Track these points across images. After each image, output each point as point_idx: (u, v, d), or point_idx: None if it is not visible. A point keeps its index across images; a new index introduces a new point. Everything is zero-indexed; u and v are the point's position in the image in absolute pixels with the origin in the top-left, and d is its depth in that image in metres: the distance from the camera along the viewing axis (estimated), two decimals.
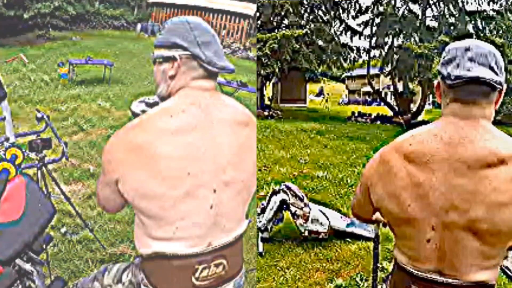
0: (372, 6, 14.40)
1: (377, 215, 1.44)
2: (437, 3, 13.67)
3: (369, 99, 26.99)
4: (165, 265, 1.35)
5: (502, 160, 1.07)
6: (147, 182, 1.25)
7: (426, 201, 1.13)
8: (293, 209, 3.83)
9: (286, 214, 3.93)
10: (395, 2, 13.96)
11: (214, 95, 1.37)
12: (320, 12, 14.78)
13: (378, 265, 3.46)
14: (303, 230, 3.83)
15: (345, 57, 15.39)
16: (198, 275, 1.36)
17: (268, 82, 17.73)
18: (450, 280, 1.15)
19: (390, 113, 15.05)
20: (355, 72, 26.02)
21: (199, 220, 1.32)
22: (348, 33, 15.29)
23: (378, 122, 13.82)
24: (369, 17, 14.71)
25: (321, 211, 4.01)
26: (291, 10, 13.49)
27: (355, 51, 15.47)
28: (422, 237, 1.16)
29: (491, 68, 1.11)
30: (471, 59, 1.11)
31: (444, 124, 1.16)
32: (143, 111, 1.43)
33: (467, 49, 1.13)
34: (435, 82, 1.22)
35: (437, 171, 1.12)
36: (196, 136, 1.29)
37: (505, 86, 1.16)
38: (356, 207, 1.45)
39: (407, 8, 14.06)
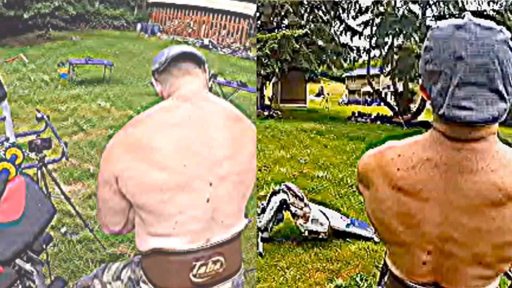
0: (372, 6, 14.40)
1: None
2: (437, 3, 13.67)
3: (369, 99, 26.99)
4: (163, 262, 1.37)
5: (509, 196, 0.89)
6: (146, 174, 1.29)
7: (419, 230, 0.98)
8: (293, 209, 3.82)
9: (286, 214, 3.93)
10: (395, 2, 13.95)
11: (203, 94, 1.45)
12: (320, 12, 14.77)
13: (378, 265, 3.47)
14: (303, 230, 3.83)
15: (345, 57, 15.39)
16: (196, 271, 1.37)
17: (268, 82, 17.71)
18: None
19: (390, 113, 15.04)
20: (355, 72, 26.07)
21: (196, 214, 1.34)
22: (348, 33, 15.29)
23: (378, 122, 13.80)
24: (369, 17, 14.71)
25: (321, 211, 4.01)
26: (291, 10, 13.49)
27: (355, 51, 15.46)
28: (417, 260, 1.02)
29: (494, 90, 0.83)
30: (464, 83, 0.83)
31: (437, 144, 0.93)
32: None
33: (459, 57, 0.83)
34: (420, 81, 0.95)
35: (431, 200, 0.95)
36: (191, 130, 1.34)
37: None
38: None
39: (407, 8, 14.04)
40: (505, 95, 0.84)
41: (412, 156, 0.96)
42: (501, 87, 0.83)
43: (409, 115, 14.27)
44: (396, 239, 1.02)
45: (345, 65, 16.27)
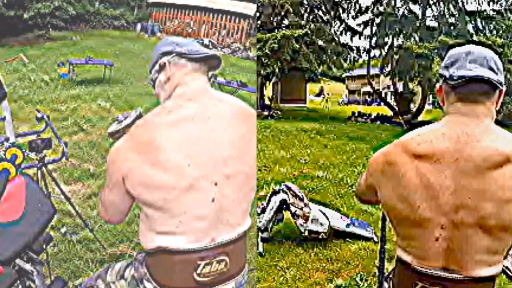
0: (372, 6, 14.39)
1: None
2: (437, 3, 13.65)
3: (369, 99, 26.99)
4: (167, 260, 1.37)
5: (507, 158, 1.12)
6: (151, 173, 1.30)
7: (436, 202, 1.15)
8: (293, 209, 3.82)
9: (286, 214, 3.93)
10: (395, 2, 13.94)
11: (209, 92, 1.43)
12: (320, 12, 14.77)
13: (378, 265, 3.47)
14: (303, 230, 3.83)
15: (345, 57, 15.38)
16: (200, 271, 1.37)
17: (268, 82, 17.72)
18: (456, 276, 1.19)
19: (390, 113, 15.04)
20: (355, 72, 26.04)
21: (201, 214, 1.34)
22: (348, 33, 15.28)
23: (378, 122, 13.80)
24: (369, 17, 14.70)
25: (321, 211, 4.00)
26: (291, 10, 13.48)
27: (355, 51, 15.45)
28: (430, 236, 1.18)
29: (491, 69, 1.17)
30: (472, 61, 1.17)
31: (450, 123, 1.19)
32: (117, 131, 1.50)
33: (468, 53, 1.18)
34: (437, 85, 1.26)
35: (446, 170, 1.15)
36: (195, 130, 1.34)
37: (504, 87, 1.21)
38: (360, 193, 1.49)
39: (407, 8, 14.04)
40: (497, 73, 1.18)
41: (428, 133, 1.20)
42: (495, 69, 1.18)
43: (409, 115, 14.26)
44: (414, 216, 1.18)
45: (345, 65, 16.24)
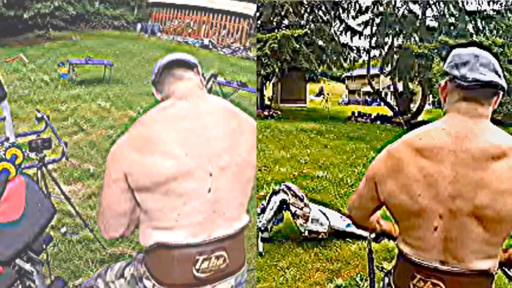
0: (372, 6, 14.39)
1: (373, 219, 1.51)
2: (437, 3, 13.65)
3: (369, 99, 27.01)
4: (166, 256, 1.39)
5: (504, 152, 1.17)
6: (152, 163, 1.35)
7: (435, 191, 1.21)
8: (293, 209, 3.82)
9: (286, 214, 3.93)
10: (395, 2, 13.95)
11: (198, 92, 1.50)
12: (320, 12, 14.76)
13: (378, 265, 3.47)
14: (303, 230, 3.83)
15: (345, 57, 15.38)
16: (199, 266, 1.39)
17: (268, 82, 17.72)
18: (453, 268, 1.22)
19: (390, 113, 15.03)
20: (355, 72, 26.02)
21: (199, 205, 1.38)
22: (348, 33, 15.28)
23: (378, 122, 13.79)
24: (369, 17, 14.70)
25: (321, 211, 4.01)
26: (291, 10, 13.48)
27: (355, 51, 15.46)
28: (429, 226, 1.23)
29: (496, 73, 1.23)
30: (482, 65, 1.22)
31: (451, 120, 1.25)
32: None
33: (477, 56, 1.23)
34: (442, 82, 1.31)
35: (445, 161, 1.21)
36: (188, 124, 1.41)
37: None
38: (355, 206, 1.48)
39: (407, 8, 14.04)
40: (501, 78, 1.24)
41: (430, 129, 1.27)
42: (499, 74, 1.24)
43: (409, 115, 14.26)
44: (414, 206, 1.24)
45: (345, 65, 16.24)
